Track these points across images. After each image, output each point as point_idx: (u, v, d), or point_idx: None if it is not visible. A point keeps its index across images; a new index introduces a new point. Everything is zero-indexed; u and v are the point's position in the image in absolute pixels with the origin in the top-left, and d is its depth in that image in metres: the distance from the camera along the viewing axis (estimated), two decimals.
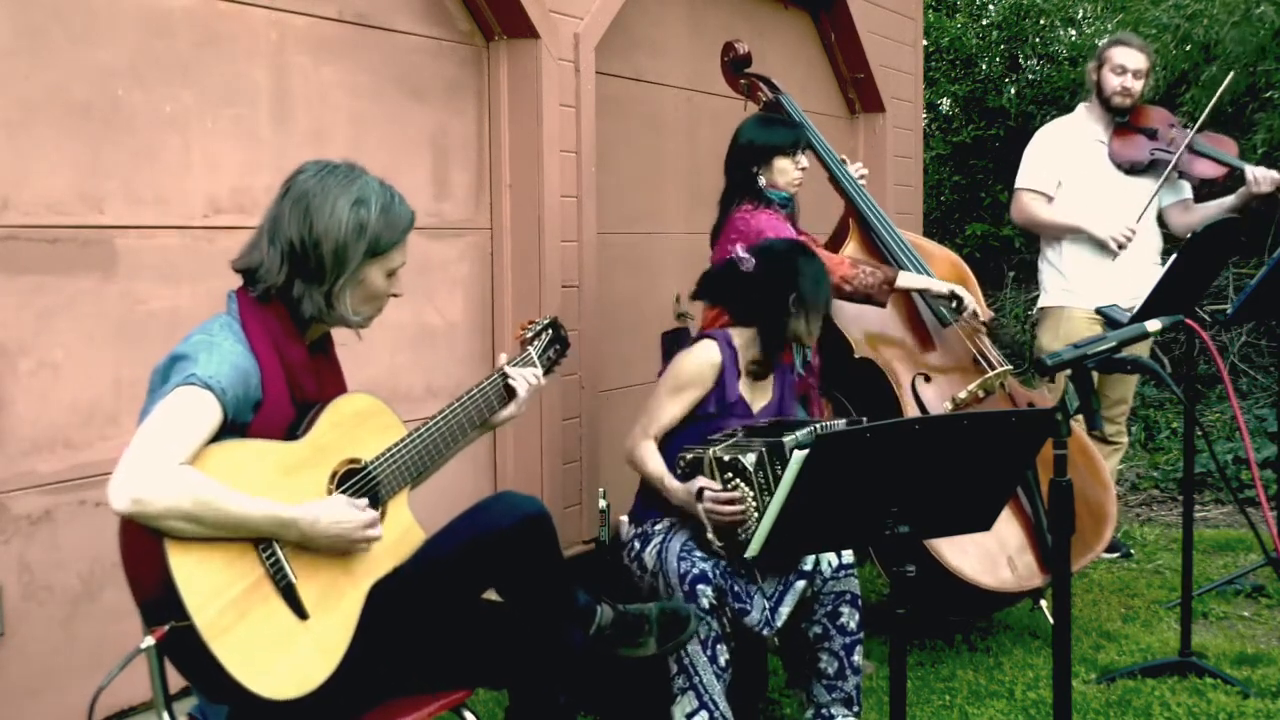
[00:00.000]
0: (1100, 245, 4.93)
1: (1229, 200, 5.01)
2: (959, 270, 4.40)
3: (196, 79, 3.28)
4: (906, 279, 3.97)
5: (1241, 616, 4.51)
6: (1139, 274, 4.89)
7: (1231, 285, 7.68)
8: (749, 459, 3.09)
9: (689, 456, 3.25)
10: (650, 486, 3.39)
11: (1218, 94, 5.08)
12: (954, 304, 4.05)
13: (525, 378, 2.82)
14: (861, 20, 6.23)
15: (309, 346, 2.48)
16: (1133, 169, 4.99)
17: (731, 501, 3.12)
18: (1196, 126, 4.99)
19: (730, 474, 3.13)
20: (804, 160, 3.96)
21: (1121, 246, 4.88)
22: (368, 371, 3.57)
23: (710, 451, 3.17)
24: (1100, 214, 4.94)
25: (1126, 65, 4.98)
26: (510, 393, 2.79)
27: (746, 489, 3.10)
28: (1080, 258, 5.02)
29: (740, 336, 3.47)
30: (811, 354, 4.03)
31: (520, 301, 4.23)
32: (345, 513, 2.35)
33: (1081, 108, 5.22)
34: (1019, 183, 5.16)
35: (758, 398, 3.50)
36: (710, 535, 3.16)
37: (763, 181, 3.88)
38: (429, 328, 4.03)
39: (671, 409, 3.40)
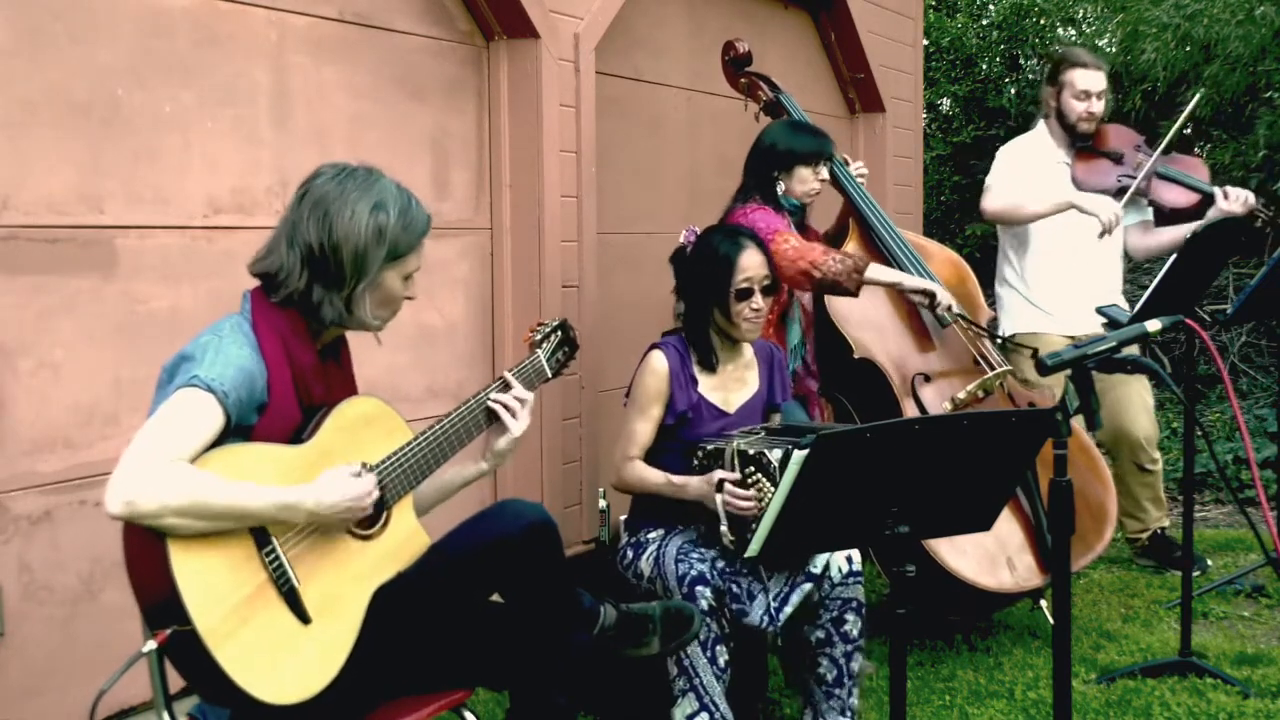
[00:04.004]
0: (1067, 244, 4.76)
1: (1195, 225, 4.70)
2: (959, 270, 4.40)
3: (196, 79, 3.28)
4: (877, 271, 3.83)
5: (1241, 616, 4.50)
6: (1105, 298, 4.83)
7: (1231, 285, 7.68)
8: (774, 454, 3.04)
9: (709, 448, 3.20)
10: (646, 497, 3.37)
11: (1183, 115, 4.88)
12: (928, 301, 3.93)
13: (512, 402, 2.72)
14: (861, 20, 6.22)
15: (320, 351, 2.48)
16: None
17: (749, 496, 3.08)
18: (1160, 148, 4.78)
19: (752, 468, 3.08)
20: (824, 172, 3.95)
21: (1111, 223, 4.58)
22: (367, 372, 3.55)
23: (733, 444, 3.13)
24: (1068, 236, 4.77)
25: (1090, 90, 4.79)
26: (493, 417, 2.72)
27: (767, 483, 3.05)
28: (1047, 282, 4.87)
29: None
30: (807, 354, 4.02)
31: (520, 301, 4.22)
32: (345, 484, 2.34)
33: (1041, 126, 5.00)
34: (989, 204, 4.87)
35: (734, 394, 3.45)
36: (724, 528, 3.12)
37: (781, 188, 3.89)
38: (429, 328, 4.02)
39: (644, 428, 3.36)
